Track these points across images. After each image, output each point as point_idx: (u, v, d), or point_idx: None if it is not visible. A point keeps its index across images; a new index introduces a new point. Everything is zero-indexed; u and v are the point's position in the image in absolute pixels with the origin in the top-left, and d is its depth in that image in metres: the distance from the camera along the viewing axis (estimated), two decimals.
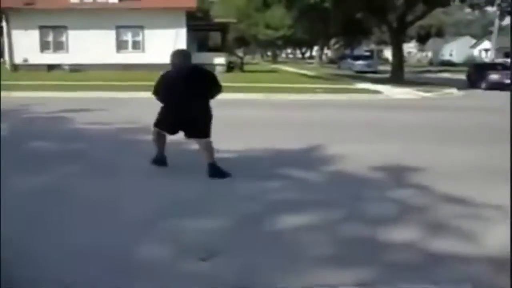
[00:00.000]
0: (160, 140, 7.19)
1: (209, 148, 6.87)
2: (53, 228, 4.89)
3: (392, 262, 4.26)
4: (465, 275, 4.03)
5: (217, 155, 6.94)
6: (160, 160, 7.26)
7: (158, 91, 6.99)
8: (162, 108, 7.03)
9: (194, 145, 7.20)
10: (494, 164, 7.80)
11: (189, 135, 7.01)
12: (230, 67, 35.43)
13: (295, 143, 9.28)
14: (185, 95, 6.69)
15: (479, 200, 5.87)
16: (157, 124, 7.04)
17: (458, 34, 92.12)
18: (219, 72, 22.55)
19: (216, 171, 6.78)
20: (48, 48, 33.21)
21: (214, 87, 6.94)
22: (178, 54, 6.91)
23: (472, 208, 5.64)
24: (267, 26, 60.51)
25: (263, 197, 6.02)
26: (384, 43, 67.81)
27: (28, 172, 7.04)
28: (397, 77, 29.80)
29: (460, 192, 6.14)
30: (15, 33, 32.72)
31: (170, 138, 7.22)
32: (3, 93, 17.96)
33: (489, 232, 4.94)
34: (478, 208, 5.63)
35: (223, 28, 38.01)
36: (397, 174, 7.19)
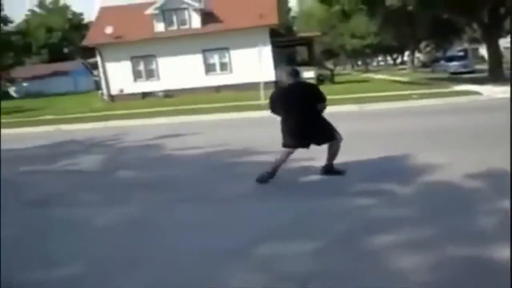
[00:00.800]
0: (285, 156, 7.33)
1: (336, 150, 7.34)
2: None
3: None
4: None
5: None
6: (265, 178, 7.29)
7: (275, 109, 7.44)
8: (284, 127, 7.31)
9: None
10: None
11: (319, 142, 7.36)
12: (320, 80, 34.81)
13: (391, 153, 8.65)
14: (301, 109, 7.12)
15: None
16: (286, 144, 7.29)
17: None
18: None
19: (332, 170, 7.43)
20: (140, 77, 34.20)
21: (321, 98, 7.29)
22: (286, 72, 7.46)
23: None
24: (353, 36, 59.59)
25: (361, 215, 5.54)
26: (477, 41, 64.92)
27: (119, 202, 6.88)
28: (496, 75, 27.98)
29: None
30: (109, 66, 34.15)
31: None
32: (102, 124, 18.57)
33: None
34: None
35: (308, 42, 37.56)
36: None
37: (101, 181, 8.55)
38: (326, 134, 7.28)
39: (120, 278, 4.35)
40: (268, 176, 7.26)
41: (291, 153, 7.31)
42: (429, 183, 6.70)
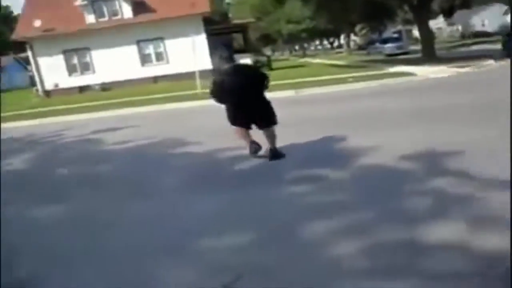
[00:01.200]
0: (244, 134, 7.62)
1: (273, 135, 7.51)
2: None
3: (438, 271, 3.61)
4: None
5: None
6: (257, 150, 7.59)
7: (215, 93, 7.56)
8: (227, 109, 7.58)
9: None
10: None
11: (260, 126, 7.55)
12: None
13: (324, 139, 8.67)
14: (242, 90, 7.30)
15: None
16: (233, 123, 7.58)
17: (488, 2, 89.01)
18: None
19: (277, 154, 7.48)
20: (75, 71, 33.37)
21: (262, 79, 7.61)
22: (219, 57, 7.88)
23: None
24: (288, 21, 59.82)
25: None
26: (411, 22, 66.22)
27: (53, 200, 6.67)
28: (428, 55, 28.67)
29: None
30: (41, 60, 33.14)
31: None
32: (36, 121, 18.06)
33: None
34: None
35: (243, 29, 37.47)
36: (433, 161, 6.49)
37: (36, 180, 8.30)
38: (266, 119, 7.48)
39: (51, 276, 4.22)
40: (255, 147, 7.57)
41: (242, 129, 7.59)
42: (364, 166, 6.73)
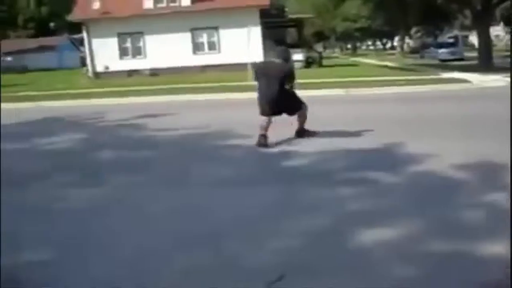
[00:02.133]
0: (265, 126, 8.42)
1: (304, 116, 8.74)
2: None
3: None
4: None
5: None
6: (262, 144, 8.36)
7: (256, 78, 8.74)
8: (259, 97, 8.59)
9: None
10: None
11: (289, 113, 8.63)
12: (308, 63, 34.61)
13: (373, 142, 8.45)
14: (274, 83, 8.26)
15: None
16: (263, 112, 8.48)
17: None
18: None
19: (303, 133, 8.84)
20: (127, 55, 33.72)
21: (291, 78, 8.42)
22: (277, 52, 8.76)
23: None
24: (345, 19, 59.29)
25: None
26: (468, 28, 64.66)
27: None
28: (485, 63, 27.85)
29: None
30: (95, 42, 33.52)
31: None
32: (85, 101, 18.29)
33: None
34: None
35: (298, 24, 37.23)
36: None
37: (78, 161, 8.33)
38: (295, 106, 8.59)
39: (93, 261, 4.16)
40: (263, 140, 8.35)
41: (269, 120, 8.41)
42: (417, 172, 6.54)
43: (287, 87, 8.28)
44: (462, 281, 3.58)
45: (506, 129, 7.98)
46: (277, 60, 8.54)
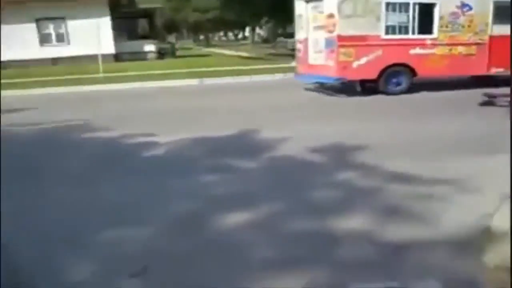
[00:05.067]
0: None
1: None
2: None
3: (346, 258, 3.80)
4: (428, 265, 3.60)
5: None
6: None
7: None
8: None
9: None
10: None
11: None
12: (161, 54, 34.51)
13: (230, 130, 8.83)
14: None
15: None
16: None
17: None
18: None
19: None
20: None
21: None
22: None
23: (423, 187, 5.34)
24: (195, 10, 59.35)
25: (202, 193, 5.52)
26: None
27: None
28: None
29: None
30: None
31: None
32: None
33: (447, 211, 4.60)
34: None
35: (149, 14, 36.89)
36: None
37: None
38: None
39: None
40: None
41: None
42: (272, 157, 6.99)
43: None
44: (327, 257, 3.84)
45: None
46: None
